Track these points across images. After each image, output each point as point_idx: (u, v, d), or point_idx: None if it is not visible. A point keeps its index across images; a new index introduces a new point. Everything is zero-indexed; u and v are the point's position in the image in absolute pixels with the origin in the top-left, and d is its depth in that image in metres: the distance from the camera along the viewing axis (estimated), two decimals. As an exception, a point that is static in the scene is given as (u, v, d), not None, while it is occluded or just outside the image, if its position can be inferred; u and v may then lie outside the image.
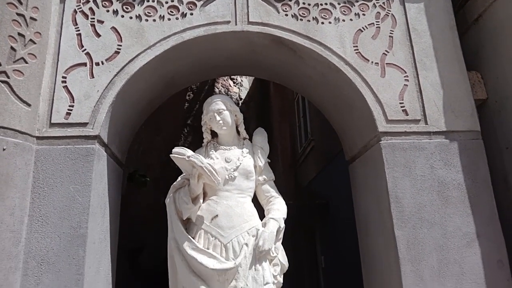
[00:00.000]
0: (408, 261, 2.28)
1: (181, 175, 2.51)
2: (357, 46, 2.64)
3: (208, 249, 2.25)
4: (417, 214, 2.36)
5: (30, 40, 2.26)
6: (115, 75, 2.39)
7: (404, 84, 2.62)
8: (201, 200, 2.39)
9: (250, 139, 2.63)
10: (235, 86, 9.16)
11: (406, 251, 2.29)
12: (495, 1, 2.70)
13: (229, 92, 9.09)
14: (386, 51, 2.66)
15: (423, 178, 2.44)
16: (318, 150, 6.97)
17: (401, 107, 2.57)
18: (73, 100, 2.30)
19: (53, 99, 2.27)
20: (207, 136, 2.61)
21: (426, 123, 2.56)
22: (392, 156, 2.47)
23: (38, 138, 2.20)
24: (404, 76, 2.63)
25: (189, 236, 2.26)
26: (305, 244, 7.37)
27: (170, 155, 2.29)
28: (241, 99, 9.57)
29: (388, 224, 2.38)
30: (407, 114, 2.57)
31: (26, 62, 2.20)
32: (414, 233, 2.33)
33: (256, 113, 9.41)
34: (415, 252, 2.29)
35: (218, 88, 8.64)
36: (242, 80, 9.51)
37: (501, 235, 2.36)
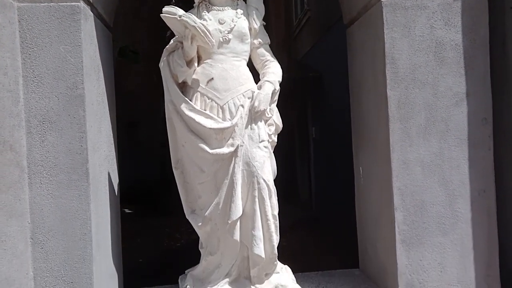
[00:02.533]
0: (397, 119, 2.38)
1: (174, 38, 2.43)
2: None
3: (205, 110, 2.31)
4: (410, 75, 2.38)
5: None
6: None
7: None
8: (196, 64, 2.36)
9: (245, 0, 2.49)
10: None
11: (396, 110, 2.37)
12: None
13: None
14: None
15: (422, 38, 2.39)
16: (314, 22, 6.69)
17: (407, -40, 2.38)
18: (49, -50, 2.08)
19: (24, -51, 2.05)
20: (198, -5, 2.46)
21: (431, -21, 2.40)
22: (393, 16, 2.38)
23: (17, -6, 2.05)
24: None
25: (186, 98, 2.30)
26: (296, 116, 7.60)
27: (161, 14, 2.18)
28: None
29: (381, 85, 2.42)
30: (412, -31, 2.39)
31: None
32: (406, 93, 2.38)
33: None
34: (404, 111, 2.38)
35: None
36: None
37: (489, 95, 2.43)
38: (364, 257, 2.89)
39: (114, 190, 2.54)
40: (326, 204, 6.39)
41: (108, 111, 2.49)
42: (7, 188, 1.94)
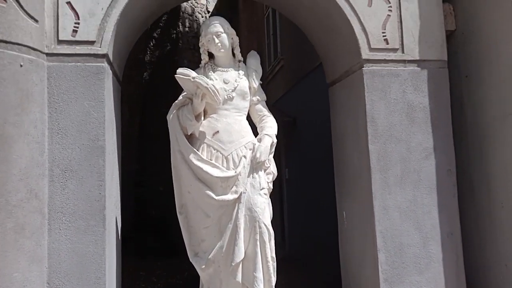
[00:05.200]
0: (378, 170, 2.73)
1: (182, 94, 2.70)
2: (348, -25, 2.78)
3: (211, 160, 2.55)
4: (388, 132, 2.77)
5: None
6: (117, -8, 2.40)
7: (388, 14, 2.84)
8: (203, 118, 2.63)
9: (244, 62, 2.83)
10: (203, -3, 8.80)
11: (376, 162, 2.73)
12: None
13: (197, 4, 8.76)
14: (374, -19, 2.82)
15: (396, 101, 2.81)
16: (288, 69, 7.18)
17: (383, 36, 2.83)
18: (78, 17, 2.32)
19: (58, 16, 2.28)
20: (204, 58, 2.77)
21: (403, 52, 2.86)
22: (372, 82, 2.79)
23: (48, 54, 2.26)
24: (388, 7, 2.85)
25: (194, 149, 2.54)
26: (270, 157, 7.91)
27: (175, 75, 2.46)
28: (208, 12, 9.26)
29: (363, 139, 2.79)
30: (387, 43, 2.84)
31: (26, -25, 2.16)
32: (384, 147, 2.76)
33: (224, 28, 9.20)
34: (383, 163, 2.75)
35: None
36: (209, -8, 9.12)
37: (452, 149, 2.86)
38: (347, 294, 3.14)
39: (119, 233, 2.68)
40: (298, 244, 6.62)
41: (117, 158, 2.67)
42: (31, 234, 2.06)
